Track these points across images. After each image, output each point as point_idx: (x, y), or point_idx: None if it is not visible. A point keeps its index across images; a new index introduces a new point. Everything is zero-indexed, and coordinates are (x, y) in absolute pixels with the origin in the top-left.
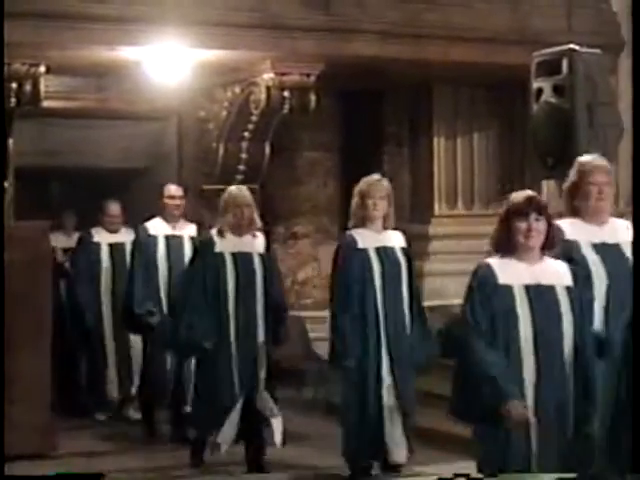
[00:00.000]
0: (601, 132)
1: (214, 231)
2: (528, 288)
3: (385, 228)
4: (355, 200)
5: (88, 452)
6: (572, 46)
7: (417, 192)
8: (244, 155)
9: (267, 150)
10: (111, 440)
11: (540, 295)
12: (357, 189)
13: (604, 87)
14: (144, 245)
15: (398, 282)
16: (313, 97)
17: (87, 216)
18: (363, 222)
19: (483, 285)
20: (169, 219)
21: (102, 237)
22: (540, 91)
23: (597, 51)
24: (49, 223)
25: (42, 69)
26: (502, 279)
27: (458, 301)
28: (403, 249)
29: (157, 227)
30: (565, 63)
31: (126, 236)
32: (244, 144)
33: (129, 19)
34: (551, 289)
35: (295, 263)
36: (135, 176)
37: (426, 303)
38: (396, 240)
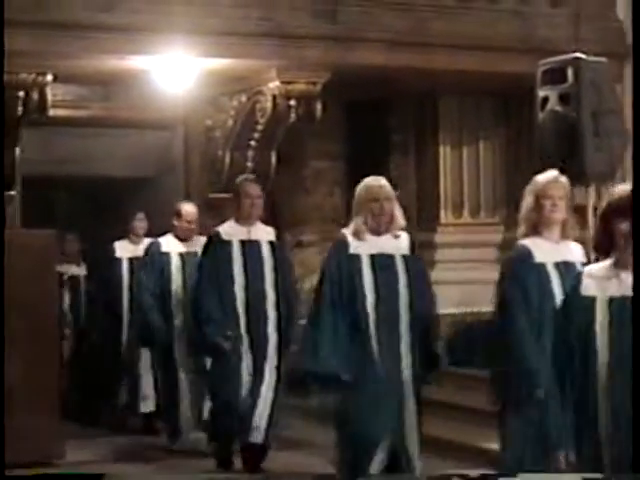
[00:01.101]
0: (607, 140)
1: (348, 231)
2: (612, 301)
3: (564, 237)
4: (527, 201)
5: (96, 461)
6: (578, 54)
7: (423, 200)
8: (250, 164)
9: (273, 159)
10: (122, 450)
11: (624, 310)
12: (528, 188)
13: (610, 95)
14: (217, 253)
15: None
16: (319, 106)
17: (94, 225)
18: (536, 229)
19: (566, 296)
20: (243, 222)
21: (172, 246)
22: (546, 100)
23: (603, 59)
24: (55, 232)
25: (49, 78)
26: (586, 290)
27: (463, 309)
28: (584, 265)
29: (230, 232)
30: (571, 71)
31: (199, 244)
32: (250, 153)
33: (137, 28)
34: None
35: (301, 272)
36: (142, 185)
37: None
38: (577, 253)
